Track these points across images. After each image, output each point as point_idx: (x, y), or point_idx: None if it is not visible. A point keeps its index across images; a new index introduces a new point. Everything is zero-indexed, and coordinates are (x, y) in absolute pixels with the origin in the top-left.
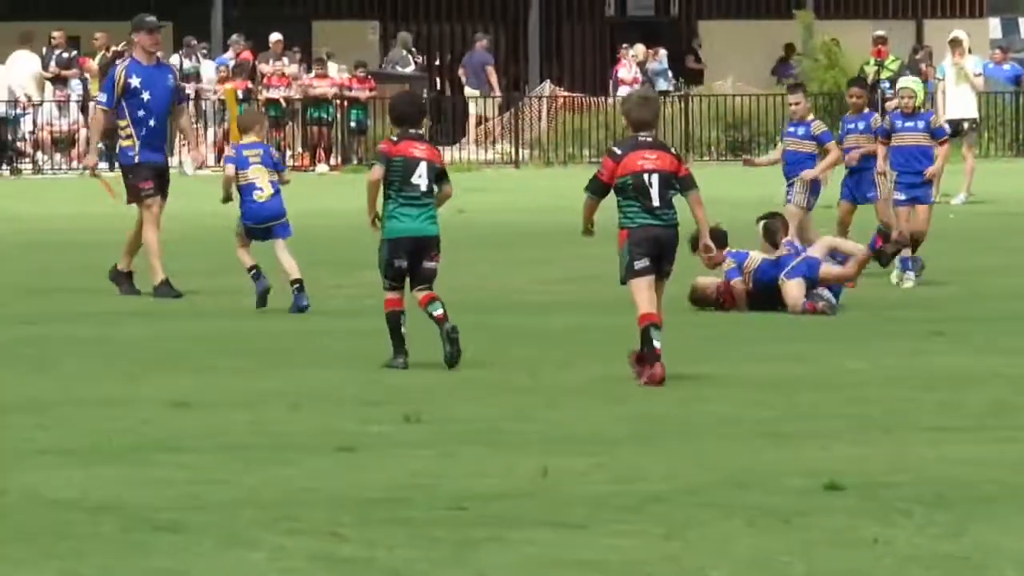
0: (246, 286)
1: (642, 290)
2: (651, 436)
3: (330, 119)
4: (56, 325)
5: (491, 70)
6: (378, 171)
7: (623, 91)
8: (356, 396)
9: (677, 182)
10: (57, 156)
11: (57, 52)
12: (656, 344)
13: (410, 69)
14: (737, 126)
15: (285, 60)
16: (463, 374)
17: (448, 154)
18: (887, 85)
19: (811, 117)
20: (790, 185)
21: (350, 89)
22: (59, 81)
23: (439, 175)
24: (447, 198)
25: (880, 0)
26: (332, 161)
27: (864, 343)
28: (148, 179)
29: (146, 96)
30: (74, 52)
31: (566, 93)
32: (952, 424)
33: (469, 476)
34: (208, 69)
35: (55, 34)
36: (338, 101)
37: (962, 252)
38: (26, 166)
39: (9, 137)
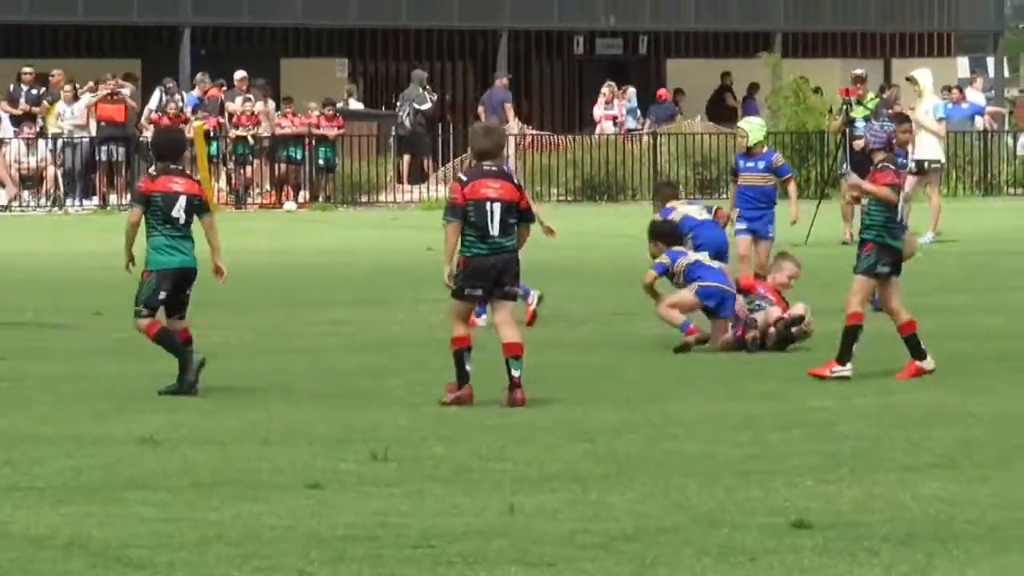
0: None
1: (459, 315)
2: (620, 474)
3: (299, 157)
4: (26, 361)
5: (508, 107)
6: (136, 213)
7: (607, 127)
8: (325, 434)
9: (517, 213)
10: (25, 193)
11: (26, 89)
12: (515, 373)
13: (427, 106)
14: (706, 164)
15: (252, 98)
16: (432, 412)
17: (417, 192)
18: (862, 124)
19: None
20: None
21: (318, 127)
22: (28, 118)
23: (199, 208)
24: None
25: (849, 39)
26: (300, 199)
27: (828, 382)
28: None
29: None
30: (43, 89)
31: (534, 131)
32: (921, 462)
33: (438, 514)
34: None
35: (25, 70)
36: (307, 139)
37: (930, 291)
38: None
39: None
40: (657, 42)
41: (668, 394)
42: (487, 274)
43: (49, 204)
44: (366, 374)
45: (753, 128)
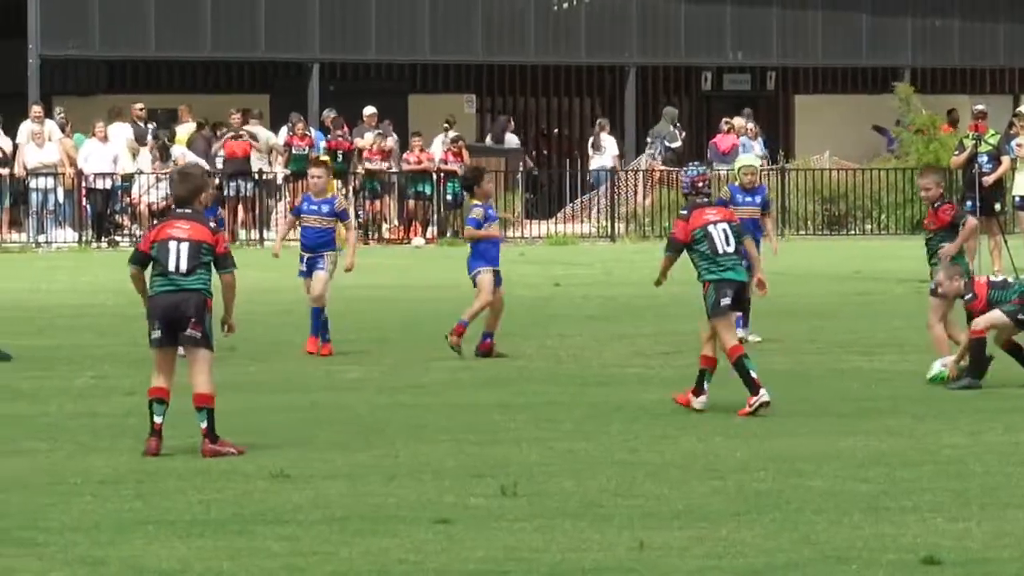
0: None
1: (158, 361)
2: (749, 511)
3: (428, 192)
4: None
5: None
6: (133, 270)
7: (727, 159)
8: (454, 468)
9: (213, 258)
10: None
11: (147, 126)
12: (156, 420)
13: (677, 144)
14: (834, 200)
15: (380, 133)
16: (561, 447)
17: (544, 227)
18: (985, 159)
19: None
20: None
21: (446, 163)
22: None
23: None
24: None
25: (978, 74)
26: (428, 234)
27: (958, 418)
28: None
29: None
30: (154, 125)
31: (663, 167)
32: None
33: (567, 550)
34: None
35: (138, 107)
36: (437, 174)
37: None
38: (123, 238)
39: (107, 209)
40: (785, 77)
41: (796, 430)
42: (164, 312)
43: None
44: (494, 409)
45: (758, 164)
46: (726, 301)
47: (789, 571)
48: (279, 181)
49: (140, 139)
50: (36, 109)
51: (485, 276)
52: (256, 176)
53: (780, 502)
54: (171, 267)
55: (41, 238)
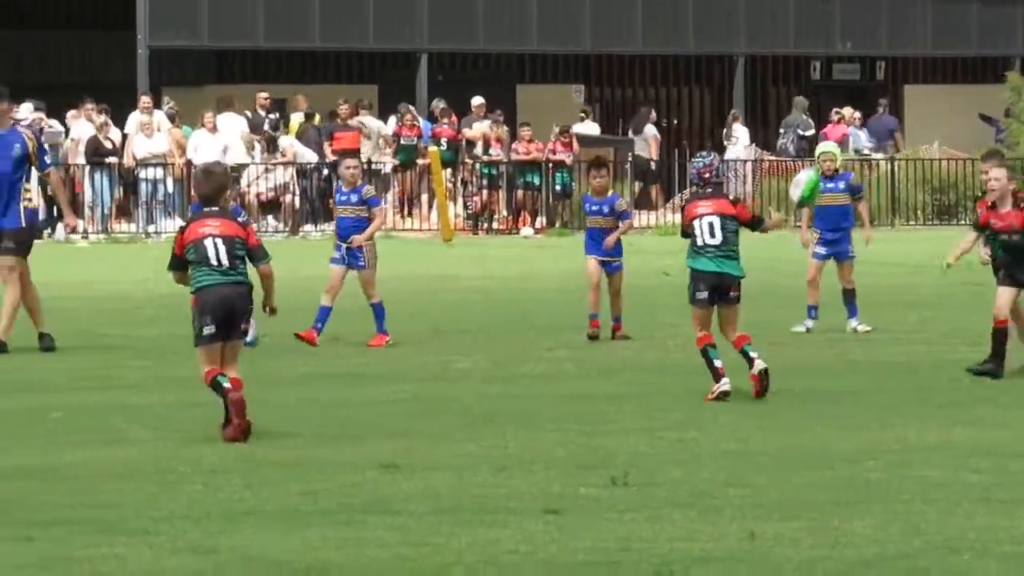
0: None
1: (208, 355)
2: (859, 501)
3: (537, 183)
4: (259, 388)
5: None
6: (174, 276)
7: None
8: (563, 459)
9: (247, 251)
10: (270, 218)
11: (269, 116)
12: (226, 384)
13: (810, 132)
14: (944, 190)
15: (499, 120)
16: (671, 436)
17: (654, 218)
18: None
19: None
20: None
21: (554, 153)
22: (269, 144)
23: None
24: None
25: None
26: (537, 224)
27: None
28: None
29: None
30: (276, 115)
31: (771, 157)
32: None
33: (677, 540)
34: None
35: (262, 95)
36: (546, 165)
37: None
38: None
39: None
40: (894, 67)
41: (905, 420)
42: (220, 304)
43: (288, 230)
44: (603, 399)
45: (837, 151)
46: (701, 295)
47: (900, 561)
48: (387, 170)
49: (256, 129)
50: (145, 100)
51: (587, 263)
52: (365, 166)
53: (890, 492)
54: (213, 260)
55: (150, 228)
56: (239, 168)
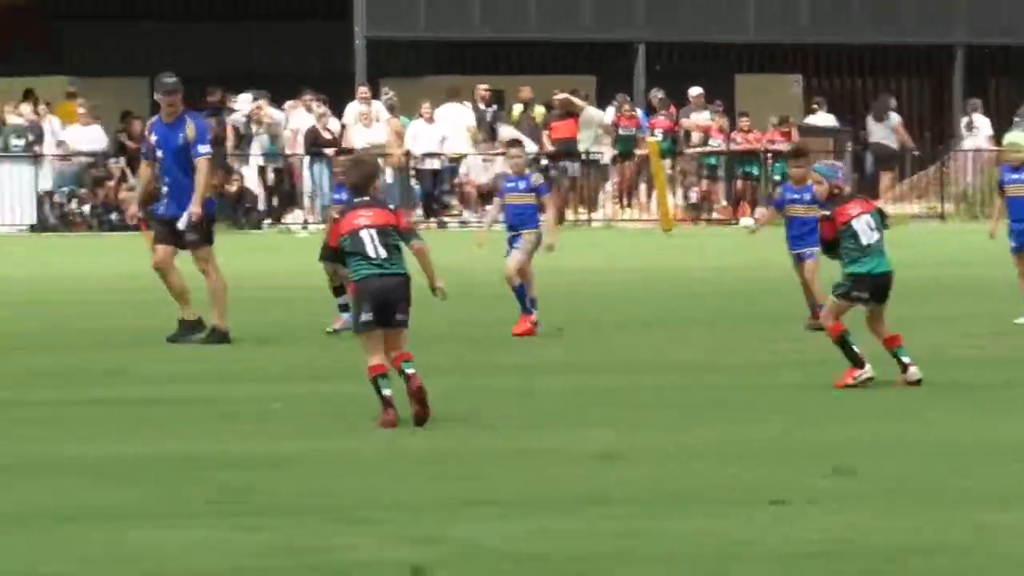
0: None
1: (370, 344)
2: None
3: (757, 173)
4: (483, 377)
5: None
6: (328, 268)
7: None
8: (787, 449)
9: (398, 234)
10: (488, 208)
11: (493, 108)
12: (386, 392)
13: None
14: None
15: (707, 113)
16: (895, 428)
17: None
18: None
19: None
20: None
21: (773, 143)
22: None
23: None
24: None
25: None
26: (756, 214)
27: None
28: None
29: (160, 153)
30: (495, 106)
31: (993, 147)
32: None
33: (903, 531)
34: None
35: (481, 87)
36: (764, 154)
37: None
38: (452, 219)
39: (436, 190)
40: None
41: None
42: (377, 294)
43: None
44: (825, 389)
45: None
46: (861, 295)
47: None
48: (605, 161)
49: (482, 120)
50: (363, 90)
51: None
52: (583, 156)
53: None
54: (371, 253)
55: None
56: (457, 158)
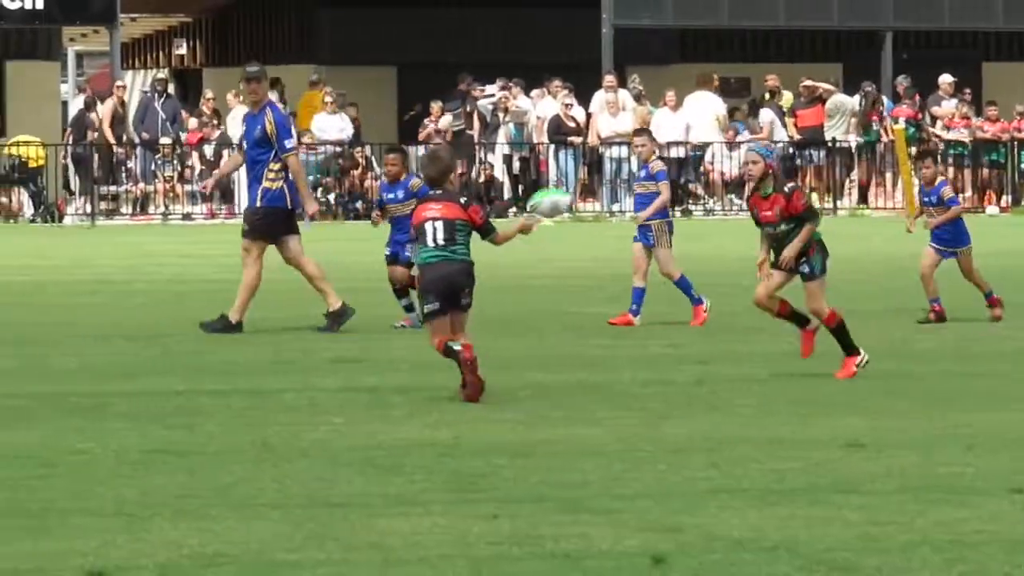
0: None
1: (437, 331)
2: None
3: (1003, 162)
4: (723, 365)
5: None
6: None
7: None
8: None
9: (477, 232)
10: (733, 197)
11: (751, 96)
12: (457, 347)
13: None
14: None
15: (955, 102)
16: None
17: None
18: None
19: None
20: None
21: (1019, 131)
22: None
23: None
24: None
25: None
26: (1002, 203)
27: None
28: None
29: (245, 144)
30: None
31: None
32: None
33: None
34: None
35: (715, 75)
36: (1011, 143)
37: None
38: (697, 207)
39: (681, 178)
40: None
41: None
42: (441, 280)
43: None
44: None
45: None
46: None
47: None
48: (852, 148)
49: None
50: (609, 79)
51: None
52: (829, 144)
53: None
54: (430, 242)
55: (614, 207)
56: (703, 146)
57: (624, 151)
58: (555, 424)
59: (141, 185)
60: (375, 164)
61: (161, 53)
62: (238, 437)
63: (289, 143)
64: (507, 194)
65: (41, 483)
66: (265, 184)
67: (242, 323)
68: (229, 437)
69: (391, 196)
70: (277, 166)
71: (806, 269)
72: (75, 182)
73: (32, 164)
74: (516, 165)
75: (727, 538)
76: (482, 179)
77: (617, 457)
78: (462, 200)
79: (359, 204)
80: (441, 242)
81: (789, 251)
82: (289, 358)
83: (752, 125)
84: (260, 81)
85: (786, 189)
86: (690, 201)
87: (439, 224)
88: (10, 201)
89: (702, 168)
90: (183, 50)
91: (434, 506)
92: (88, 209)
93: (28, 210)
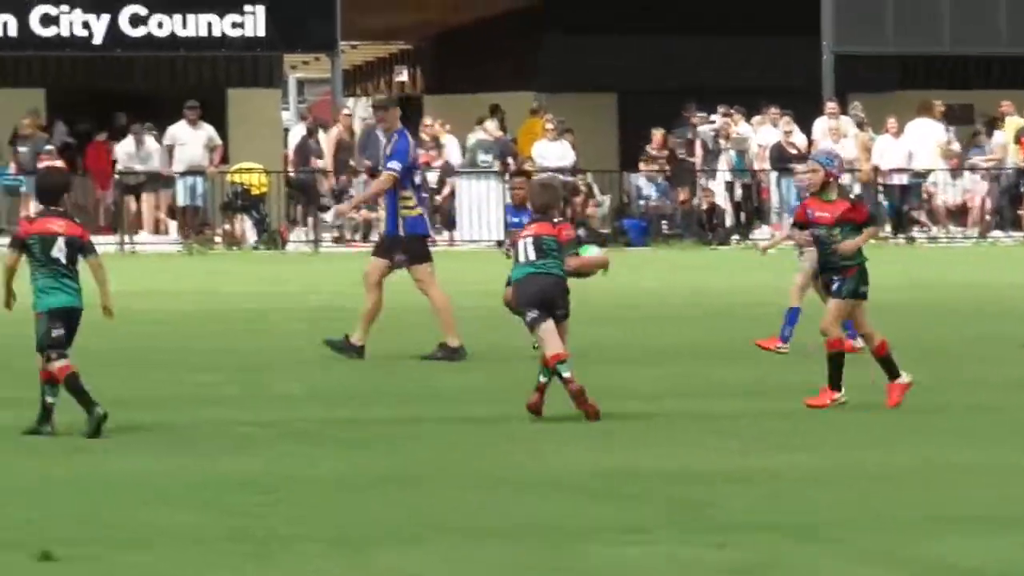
0: None
1: (546, 335)
2: None
3: None
4: (959, 392)
5: None
6: (11, 258)
7: None
8: None
9: (556, 244)
10: (951, 227)
11: (951, 129)
12: (566, 374)
13: None
14: None
15: None
16: None
17: None
18: None
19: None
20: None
21: None
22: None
23: (81, 249)
24: (98, 269)
25: None
26: None
27: None
28: None
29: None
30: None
31: None
32: None
33: None
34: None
35: (937, 104)
36: None
37: None
38: (921, 235)
39: (905, 207)
40: None
41: None
42: (537, 293)
43: (977, 236)
44: None
45: None
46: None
47: None
48: None
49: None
50: (831, 105)
51: None
52: None
53: None
54: (521, 258)
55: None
56: (924, 174)
57: (847, 178)
58: (777, 451)
59: (364, 212)
60: (596, 191)
61: (382, 80)
62: (458, 465)
63: (392, 164)
64: (729, 221)
65: (265, 510)
66: (404, 211)
67: (463, 346)
68: (450, 465)
69: (516, 220)
70: (408, 193)
71: (836, 286)
72: (297, 210)
73: (255, 191)
74: (738, 192)
75: (960, 568)
76: (704, 206)
77: (841, 484)
78: (555, 220)
79: (581, 231)
80: (532, 257)
81: (848, 244)
82: (506, 385)
83: (985, 146)
84: (387, 109)
85: (851, 197)
86: (913, 228)
87: (530, 241)
88: (233, 228)
89: (924, 194)
90: (403, 77)
91: (653, 534)
92: (311, 236)
93: (251, 237)
